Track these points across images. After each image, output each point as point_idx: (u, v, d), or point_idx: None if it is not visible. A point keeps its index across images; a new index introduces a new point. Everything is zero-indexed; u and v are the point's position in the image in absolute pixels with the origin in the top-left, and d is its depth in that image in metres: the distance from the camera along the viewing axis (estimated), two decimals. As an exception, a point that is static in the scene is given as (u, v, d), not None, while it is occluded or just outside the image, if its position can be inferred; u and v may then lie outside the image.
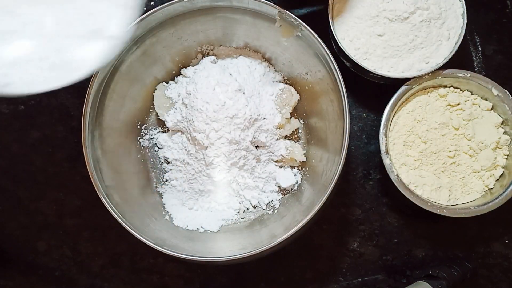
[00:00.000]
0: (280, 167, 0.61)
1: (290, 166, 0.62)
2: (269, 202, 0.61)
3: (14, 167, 0.65)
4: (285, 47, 0.59)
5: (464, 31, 0.59)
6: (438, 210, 0.57)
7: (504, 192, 0.58)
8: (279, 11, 0.53)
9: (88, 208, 0.64)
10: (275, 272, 0.64)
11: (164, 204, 0.61)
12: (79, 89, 0.64)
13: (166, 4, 0.55)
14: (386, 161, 0.58)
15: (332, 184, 0.52)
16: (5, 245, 0.64)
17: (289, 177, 0.61)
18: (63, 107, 0.65)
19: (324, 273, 0.64)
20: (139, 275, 0.64)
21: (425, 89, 0.61)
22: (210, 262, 0.62)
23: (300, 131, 0.63)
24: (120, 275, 0.64)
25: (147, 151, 0.63)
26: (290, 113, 0.61)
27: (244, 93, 0.57)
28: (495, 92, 0.59)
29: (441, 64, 0.59)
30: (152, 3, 0.66)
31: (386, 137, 0.59)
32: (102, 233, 0.64)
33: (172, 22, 0.58)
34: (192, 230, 0.59)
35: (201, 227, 0.60)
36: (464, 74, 0.60)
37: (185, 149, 0.59)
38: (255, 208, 0.61)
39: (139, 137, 0.63)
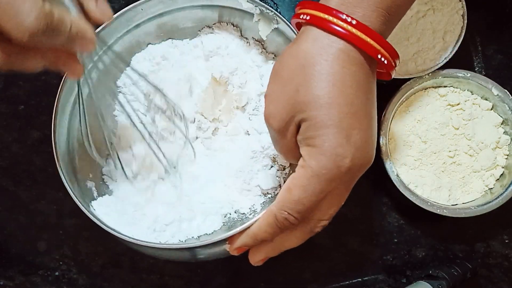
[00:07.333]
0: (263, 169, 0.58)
1: (283, 166, 0.59)
2: (251, 206, 0.58)
3: (14, 167, 0.65)
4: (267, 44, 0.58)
5: (464, 31, 0.59)
6: (438, 210, 0.57)
7: (504, 192, 0.58)
8: (255, 4, 0.52)
9: (88, 208, 0.64)
10: (274, 272, 0.64)
11: None
12: (79, 89, 0.65)
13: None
14: (386, 161, 0.58)
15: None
16: (5, 245, 0.64)
17: (270, 179, 0.57)
18: (63, 107, 0.65)
19: (324, 273, 0.64)
20: (139, 275, 0.64)
21: (425, 89, 0.61)
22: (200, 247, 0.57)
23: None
24: (120, 275, 0.64)
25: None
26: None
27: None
28: (495, 92, 0.59)
29: (441, 64, 0.59)
30: None
31: (386, 137, 0.59)
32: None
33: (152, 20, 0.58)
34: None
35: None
36: (464, 74, 0.60)
37: None
38: (235, 212, 0.58)
39: None
